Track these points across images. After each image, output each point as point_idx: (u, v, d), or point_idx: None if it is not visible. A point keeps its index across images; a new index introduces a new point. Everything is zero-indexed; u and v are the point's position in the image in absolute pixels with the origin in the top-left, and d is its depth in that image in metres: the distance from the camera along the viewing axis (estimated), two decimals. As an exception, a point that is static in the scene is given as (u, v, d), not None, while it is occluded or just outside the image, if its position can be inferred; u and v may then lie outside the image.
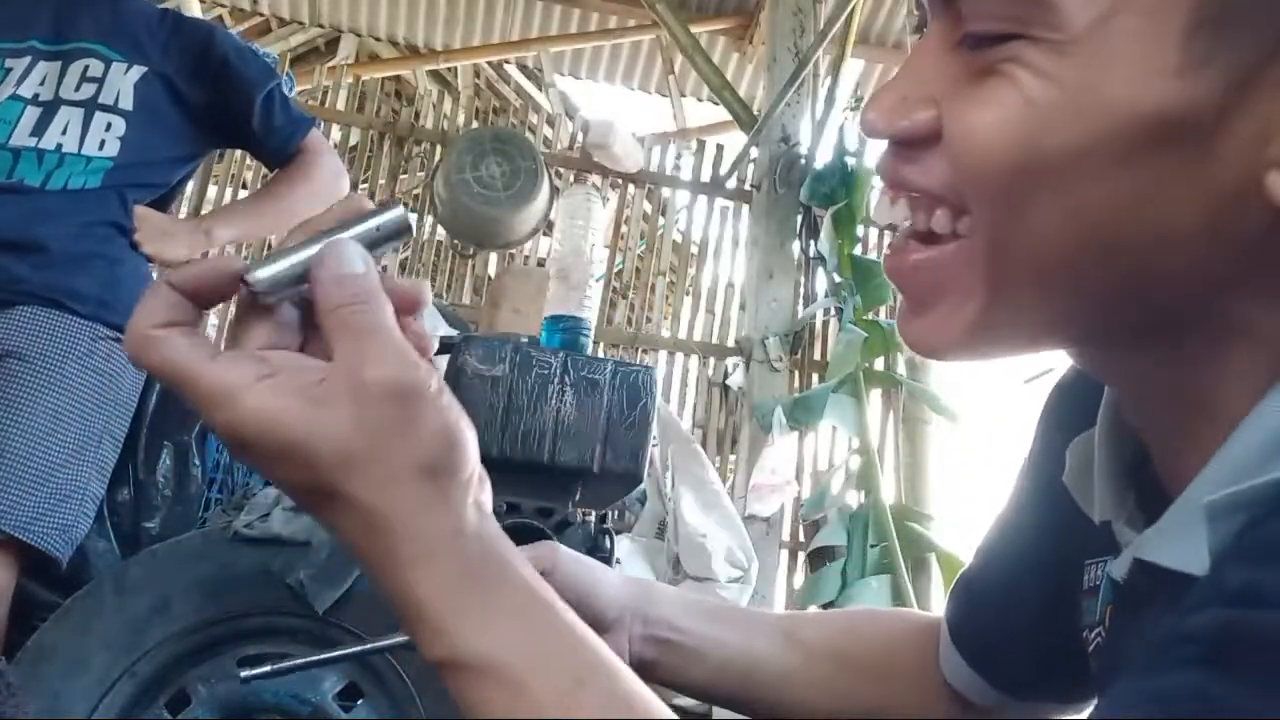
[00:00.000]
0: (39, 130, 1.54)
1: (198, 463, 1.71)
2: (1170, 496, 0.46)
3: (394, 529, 0.41)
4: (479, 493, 0.44)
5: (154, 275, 1.68)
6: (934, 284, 0.45)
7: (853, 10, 3.59)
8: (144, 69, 1.63)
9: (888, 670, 0.75)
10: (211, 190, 4.07)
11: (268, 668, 0.57)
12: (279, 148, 1.78)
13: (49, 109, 1.55)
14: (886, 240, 4.27)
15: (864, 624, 0.79)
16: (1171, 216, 0.40)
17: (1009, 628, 0.67)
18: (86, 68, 1.60)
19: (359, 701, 1.44)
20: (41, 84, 1.57)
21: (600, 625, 0.68)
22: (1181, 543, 0.42)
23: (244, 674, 0.57)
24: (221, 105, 1.72)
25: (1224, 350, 0.43)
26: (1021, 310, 0.44)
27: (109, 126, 1.58)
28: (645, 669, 0.70)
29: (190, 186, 3.14)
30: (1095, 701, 0.69)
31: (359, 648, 0.66)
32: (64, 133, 1.54)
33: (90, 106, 1.57)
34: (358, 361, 0.42)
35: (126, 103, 1.60)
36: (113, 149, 1.57)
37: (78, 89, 1.58)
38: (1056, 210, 0.40)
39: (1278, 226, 0.39)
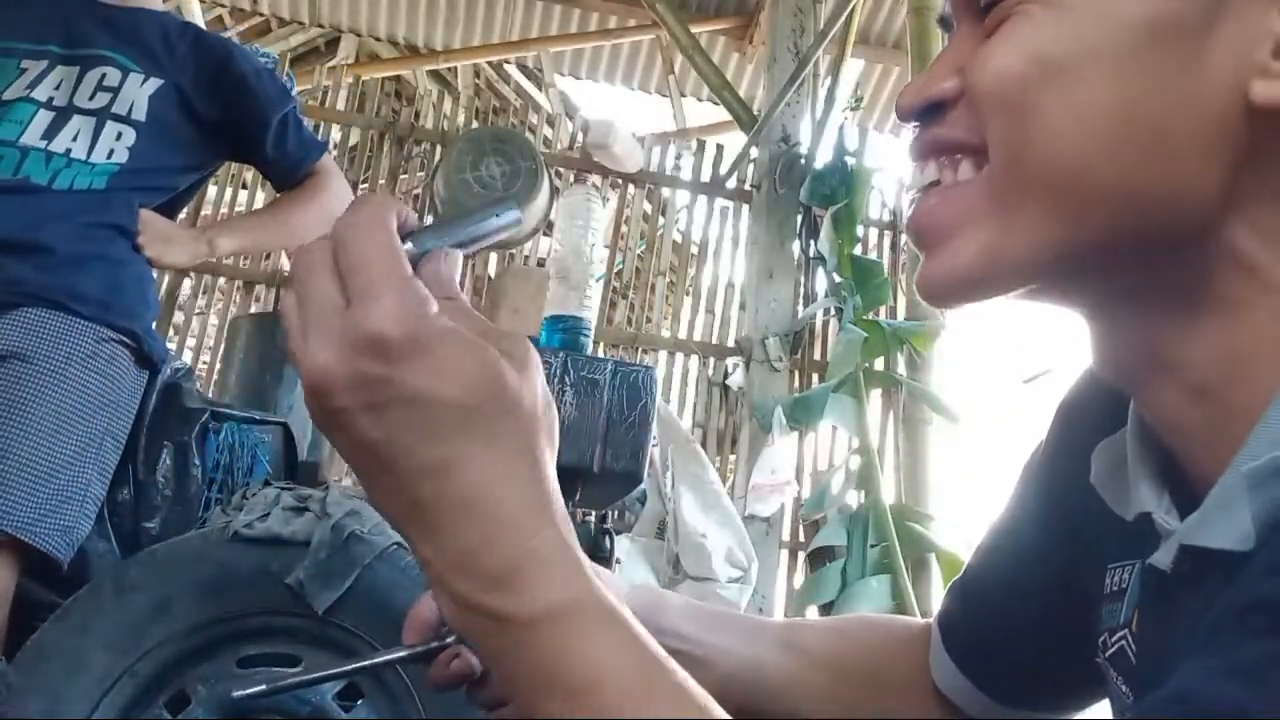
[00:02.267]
0: (49, 134, 1.54)
1: (198, 463, 1.71)
2: (1199, 495, 0.45)
3: (529, 476, 0.43)
4: None
5: (154, 277, 1.68)
6: (948, 218, 0.48)
7: (853, 10, 3.60)
8: (160, 81, 1.64)
9: (882, 678, 0.74)
10: (211, 190, 4.07)
11: (262, 687, 0.56)
12: (290, 170, 1.80)
13: (62, 115, 1.56)
14: (888, 240, 4.28)
15: (859, 631, 0.78)
16: (1168, 116, 0.43)
17: (1007, 633, 0.67)
18: (103, 76, 1.60)
19: (359, 701, 1.44)
20: (57, 89, 1.58)
21: None
22: (1226, 521, 0.42)
23: (235, 694, 0.57)
24: (235, 123, 1.73)
25: (1241, 312, 0.44)
26: (1029, 233, 0.46)
27: (119, 136, 1.59)
28: None
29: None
30: (1087, 708, 0.69)
31: (348, 666, 0.65)
32: (74, 139, 1.55)
33: (102, 116, 1.58)
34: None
35: (139, 114, 1.61)
36: (121, 157, 1.58)
37: (92, 98, 1.59)
38: (1064, 111, 0.44)
39: (1262, 140, 0.43)
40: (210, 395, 2.72)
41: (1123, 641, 0.54)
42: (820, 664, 0.73)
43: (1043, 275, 0.47)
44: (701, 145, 4.50)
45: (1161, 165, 0.43)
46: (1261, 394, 0.43)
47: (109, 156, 1.57)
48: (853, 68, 4.63)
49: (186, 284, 4.15)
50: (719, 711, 0.41)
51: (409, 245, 0.44)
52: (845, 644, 0.75)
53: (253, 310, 4.00)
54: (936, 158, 0.50)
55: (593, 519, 2.12)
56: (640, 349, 4.13)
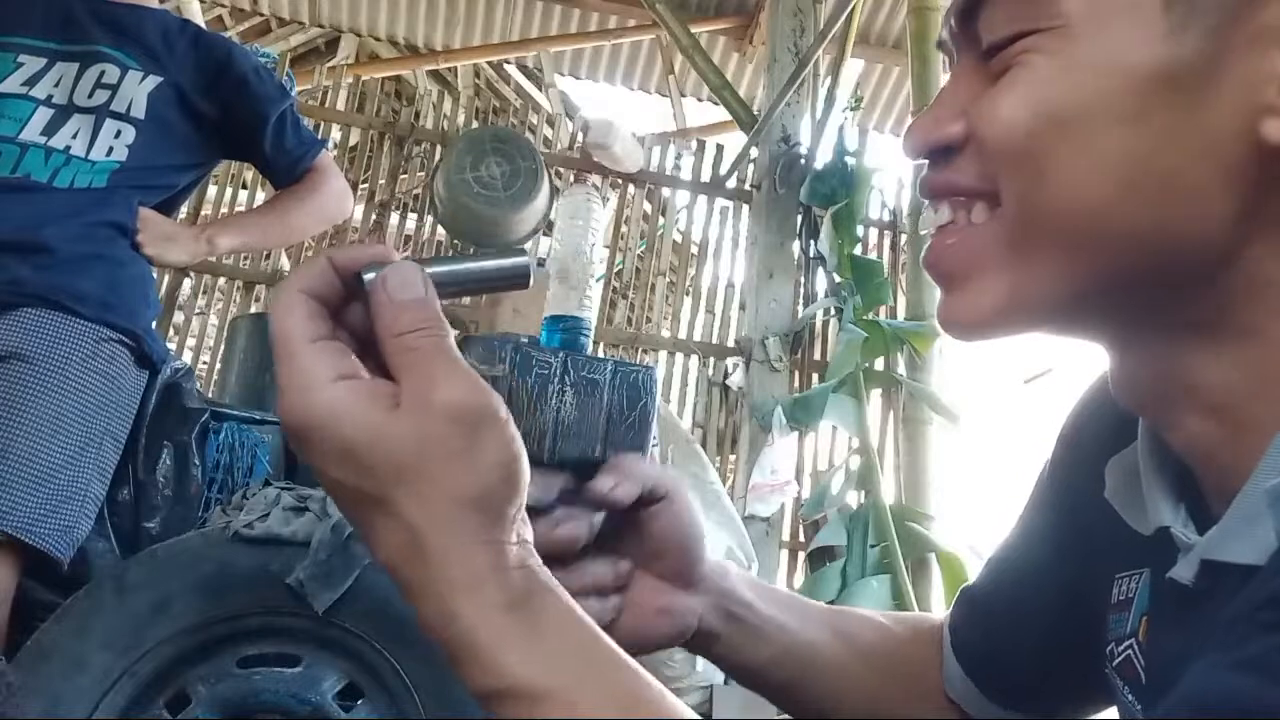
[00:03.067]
0: (49, 131, 1.55)
1: (198, 463, 1.71)
2: (1214, 506, 0.45)
3: (436, 555, 0.42)
4: (523, 529, 0.45)
5: (155, 277, 1.69)
6: (967, 259, 0.49)
7: (853, 10, 3.59)
8: (159, 79, 1.64)
9: (903, 675, 0.75)
10: (211, 190, 4.07)
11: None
12: (288, 168, 1.81)
13: (61, 113, 1.57)
14: (888, 240, 4.28)
15: (889, 625, 0.78)
16: (1180, 161, 0.44)
17: (1015, 642, 0.67)
18: (102, 73, 1.61)
19: (359, 701, 1.44)
20: (56, 86, 1.58)
21: (688, 579, 0.66)
22: (1247, 536, 0.42)
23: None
24: (234, 121, 1.74)
25: (1264, 334, 0.44)
26: (1050, 278, 0.46)
27: (118, 134, 1.59)
28: (707, 641, 0.68)
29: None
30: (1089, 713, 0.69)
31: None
32: (74, 137, 1.56)
33: (101, 113, 1.58)
34: (427, 385, 0.43)
35: (138, 111, 1.61)
36: (120, 155, 1.59)
37: (91, 95, 1.59)
38: (1077, 164, 0.44)
39: (1278, 172, 0.43)
40: (210, 395, 2.71)
41: (1129, 651, 0.55)
42: (861, 656, 0.73)
43: (1064, 314, 0.48)
44: (701, 145, 4.50)
45: (1177, 207, 0.44)
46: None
47: (108, 154, 1.57)
48: (853, 68, 4.63)
49: (186, 284, 4.15)
50: None
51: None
52: (877, 636, 0.76)
53: (253, 310, 4.00)
54: (949, 199, 0.50)
55: (593, 519, 2.11)
56: (640, 349, 4.13)
